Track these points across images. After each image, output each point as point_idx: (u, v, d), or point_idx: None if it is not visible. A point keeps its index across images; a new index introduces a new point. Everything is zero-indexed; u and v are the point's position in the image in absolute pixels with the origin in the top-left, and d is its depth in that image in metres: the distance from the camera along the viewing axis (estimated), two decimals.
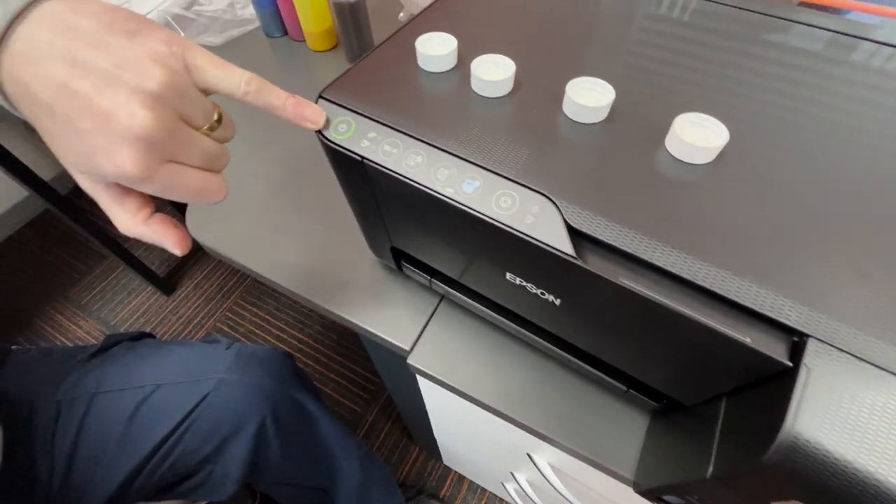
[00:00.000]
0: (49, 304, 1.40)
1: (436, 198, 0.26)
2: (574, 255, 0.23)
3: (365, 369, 1.25)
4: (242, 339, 1.31)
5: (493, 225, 0.25)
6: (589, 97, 0.28)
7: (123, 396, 0.56)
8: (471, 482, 1.08)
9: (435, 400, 0.55)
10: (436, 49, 0.31)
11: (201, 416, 0.56)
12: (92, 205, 0.24)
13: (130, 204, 0.24)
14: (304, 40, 0.71)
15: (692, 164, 0.25)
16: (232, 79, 0.24)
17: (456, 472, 1.09)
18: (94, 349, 0.61)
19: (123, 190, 0.25)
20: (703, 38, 0.33)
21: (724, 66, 0.31)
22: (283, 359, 0.64)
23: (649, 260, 0.22)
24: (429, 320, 0.43)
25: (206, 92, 0.24)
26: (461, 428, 0.62)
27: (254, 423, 0.58)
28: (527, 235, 0.24)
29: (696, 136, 0.26)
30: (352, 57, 0.67)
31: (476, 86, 0.30)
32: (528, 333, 0.36)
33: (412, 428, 1.00)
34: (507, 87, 0.29)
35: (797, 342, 0.20)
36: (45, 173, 1.03)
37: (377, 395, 1.21)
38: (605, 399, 0.38)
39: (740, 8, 0.36)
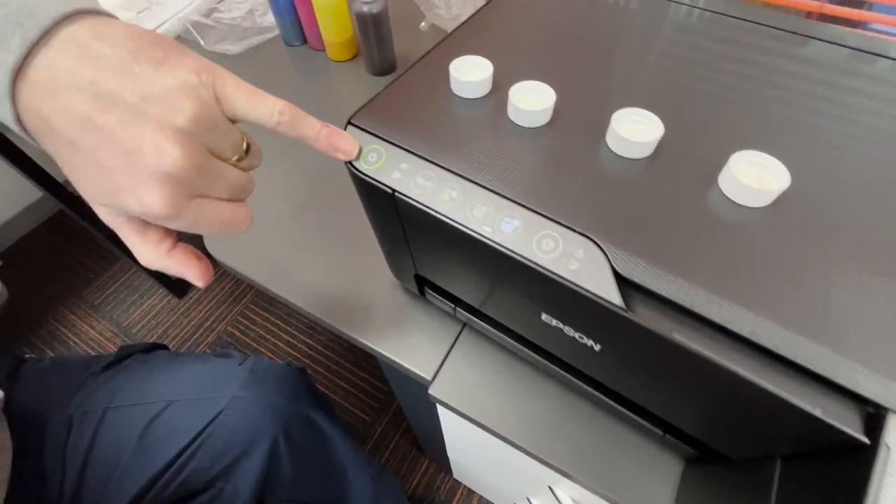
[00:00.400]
0: (63, 304, 1.41)
1: (472, 237, 0.25)
2: (624, 307, 0.22)
3: (375, 378, 1.23)
4: (252, 343, 1.31)
5: (533, 269, 0.23)
6: (636, 130, 0.26)
7: (136, 412, 0.55)
8: (481, 497, 1.06)
9: (453, 426, 0.54)
10: (470, 74, 0.29)
11: (213, 434, 0.55)
12: None
13: (152, 236, 0.23)
14: (324, 50, 0.70)
15: (749, 208, 0.24)
16: (264, 108, 0.23)
17: (466, 486, 1.07)
18: (108, 361, 0.60)
19: (145, 222, 0.23)
20: (754, 59, 0.31)
21: (776, 97, 0.29)
22: (297, 375, 0.63)
23: (706, 315, 0.21)
24: (451, 348, 0.41)
25: (235, 121, 0.23)
26: (479, 453, 0.60)
27: (266, 441, 0.57)
28: (571, 283, 0.23)
29: (754, 177, 0.24)
30: (372, 68, 0.66)
31: (513, 114, 0.28)
32: (558, 370, 0.35)
33: (423, 443, 0.98)
34: (546, 117, 0.28)
35: (873, 414, 0.19)
36: (59, 174, 1.03)
37: (387, 404, 1.19)
38: (636, 440, 0.36)
39: (784, 30, 0.34)
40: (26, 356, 0.62)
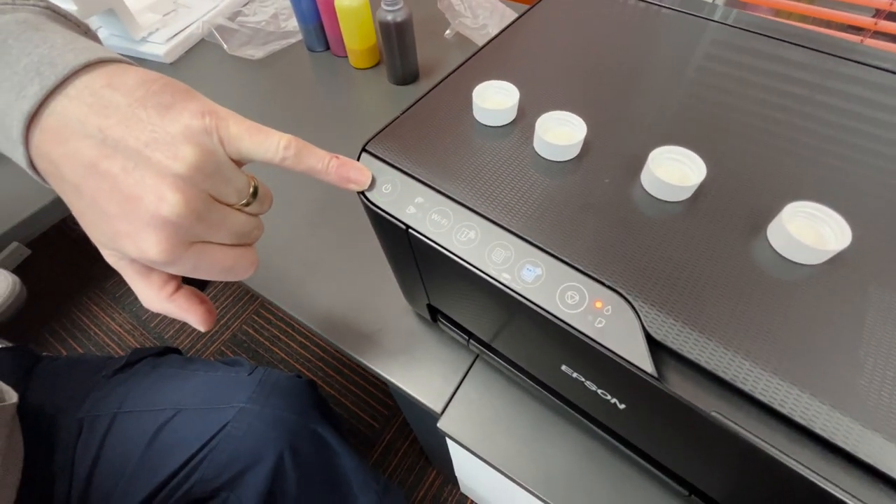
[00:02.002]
0: (86, 295, 1.44)
1: (489, 283, 0.23)
2: (656, 375, 0.19)
3: (386, 385, 1.22)
4: (266, 342, 1.31)
5: (554, 323, 0.21)
6: (675, 171, 0.24)
7: (144, 418, 0.55)
8: None
9: (463, 454, 0.52)
10: (495, 101, 0.27)
11: (219, 445, 0.54)
12: None
13: (156, 279, 0.24)
14: (347, 56, 0.69)
15: (801, 265, 0.21)
16: (268, 146, 0.22)
17: (473, 501, 1.05)
18: (120, 364, 0.60)
19: (148, 266, 0.23)
20: (808, 94, 0.29)
21: (834, 137, 0.26)
22: (306, 389, 0.62)
23: (752, 393, 0.18)
24: (463, 378, 0.40)
25: (242, 161, 0.22)
26: (489, 483, 0.58)
27: (272, 455, 0.56)
28: (597, 343, 0.20)
29: (809, 232, 0.21)
30: (394, 77, 0.64)
31: (539, 147, 0.26)
32: (577, 416, 0.32)
33: (431, 457, 0.97)
34: (575, 151, 0.26)
35: None
36: None
37: (397, 411, 1.18)
38: (659, 494, 0.33)
39: (840, 57, 0.31)
40: (42, 354, 0.63)
